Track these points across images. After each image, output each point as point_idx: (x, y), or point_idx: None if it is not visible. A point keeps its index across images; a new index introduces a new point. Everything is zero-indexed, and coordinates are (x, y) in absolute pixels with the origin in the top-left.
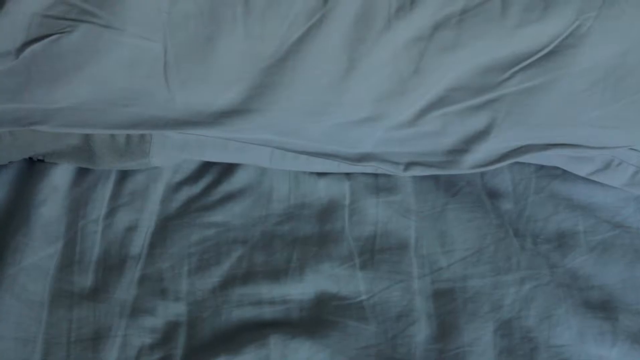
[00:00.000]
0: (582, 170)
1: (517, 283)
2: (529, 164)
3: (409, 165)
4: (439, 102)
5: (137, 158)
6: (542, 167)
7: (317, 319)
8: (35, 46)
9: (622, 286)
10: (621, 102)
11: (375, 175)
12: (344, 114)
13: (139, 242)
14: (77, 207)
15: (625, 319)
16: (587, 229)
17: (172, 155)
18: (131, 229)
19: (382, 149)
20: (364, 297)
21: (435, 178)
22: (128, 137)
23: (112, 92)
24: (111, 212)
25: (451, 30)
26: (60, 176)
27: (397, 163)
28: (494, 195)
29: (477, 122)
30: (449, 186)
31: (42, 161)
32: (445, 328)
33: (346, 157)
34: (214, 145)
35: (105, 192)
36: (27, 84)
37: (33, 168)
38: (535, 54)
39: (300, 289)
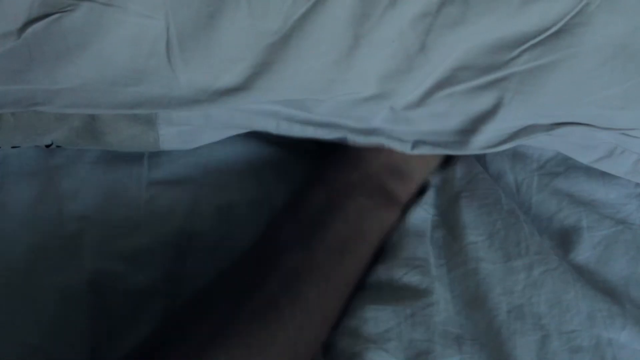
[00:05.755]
0: (585, 157)
1: (526, 268)
2: (531, 163)
3: (416, 143)
4: (445, 82)
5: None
6: (543, 165)
7: None
8: (37, 25)
9: (624, 283)
10: (629, 82)
11: None
12: (349, 91)
13: None
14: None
15: (632, 310)
16: (590, 224)
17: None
18: None
19: (390, 127)
20: None
21: None
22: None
23: (115, 72)
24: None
25: (458, 6)
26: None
27: (404, 141)
28: None
29: (484, 101)
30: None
31: (49, 147)
32: None
33: (354, 130)
34: (219, 114)
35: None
36: (29, 65)
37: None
38: (543, 32)
39: None
